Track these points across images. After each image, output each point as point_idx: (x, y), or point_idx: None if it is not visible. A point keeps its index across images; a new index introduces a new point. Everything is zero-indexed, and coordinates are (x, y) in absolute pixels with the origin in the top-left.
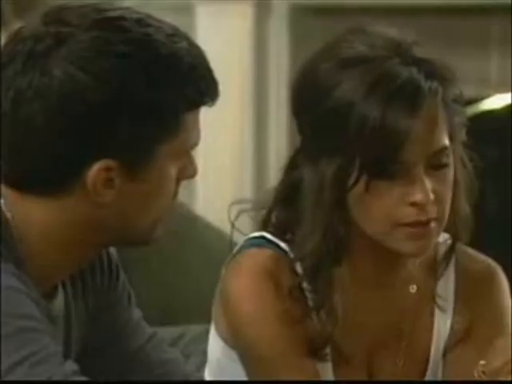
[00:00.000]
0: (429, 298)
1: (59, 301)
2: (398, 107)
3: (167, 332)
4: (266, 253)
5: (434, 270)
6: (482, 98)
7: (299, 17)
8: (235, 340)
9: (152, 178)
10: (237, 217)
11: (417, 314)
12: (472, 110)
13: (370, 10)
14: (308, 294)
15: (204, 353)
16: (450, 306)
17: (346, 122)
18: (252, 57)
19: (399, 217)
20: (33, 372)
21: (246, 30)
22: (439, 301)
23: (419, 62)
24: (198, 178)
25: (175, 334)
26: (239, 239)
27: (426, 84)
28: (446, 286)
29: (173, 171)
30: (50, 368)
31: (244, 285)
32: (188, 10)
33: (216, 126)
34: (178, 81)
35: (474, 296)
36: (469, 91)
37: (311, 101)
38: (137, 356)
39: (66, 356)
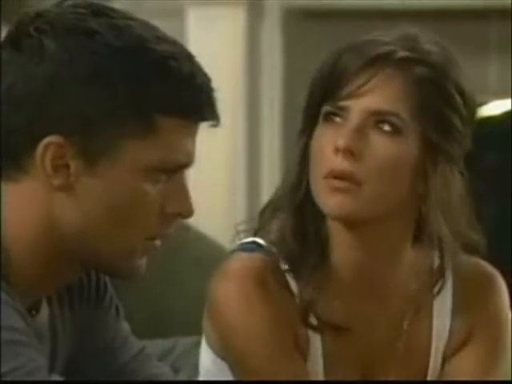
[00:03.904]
0: (425, 304)
1: (43, 316)
2: (351, 55)
3: (157, 345)
4: (256, 257)
5: (430, 278)
6: (481, 104)
7: (292, 20)
8: (224, 350)
9: (115, 177)
10: (237, 236)
11: (413, 322)
12: None
13: (364, 13)
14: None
15: (195, 367)
16: (447, 311)
17: None
18: (244, 61)
19: (324, 166)
20: None
21: (239, 33)
22: (436, 306)
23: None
24: (190, 187)
25: (165, 347)
26: None
27: (395, 49)
28: (444, 292)
29: (149, 188)
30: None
31: (231, 289)
32: (179, 14)
33: (207, 132)
34: (155, 75)
35: (473, 302)
36: None
37: None
38: (125, 371)
39: (52, 371)
